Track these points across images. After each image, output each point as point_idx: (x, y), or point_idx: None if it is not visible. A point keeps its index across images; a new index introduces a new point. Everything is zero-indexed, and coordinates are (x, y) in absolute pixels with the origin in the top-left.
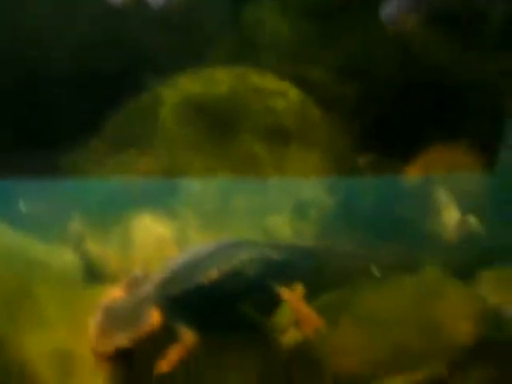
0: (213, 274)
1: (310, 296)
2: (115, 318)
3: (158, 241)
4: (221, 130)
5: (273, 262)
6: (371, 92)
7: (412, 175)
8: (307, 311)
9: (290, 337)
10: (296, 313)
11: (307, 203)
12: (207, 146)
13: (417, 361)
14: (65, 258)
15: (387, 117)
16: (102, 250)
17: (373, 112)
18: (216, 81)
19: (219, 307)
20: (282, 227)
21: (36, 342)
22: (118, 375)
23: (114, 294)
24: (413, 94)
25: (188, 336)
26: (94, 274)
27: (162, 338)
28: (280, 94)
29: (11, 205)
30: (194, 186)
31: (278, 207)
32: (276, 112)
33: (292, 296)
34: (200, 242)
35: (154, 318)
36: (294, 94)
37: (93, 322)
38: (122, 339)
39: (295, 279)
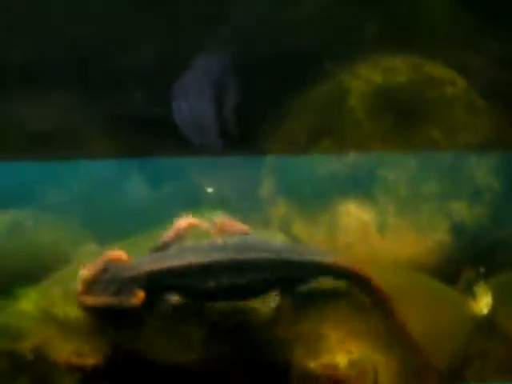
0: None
1: None
2: (110, 280)
3: (360, 225)
4: (402, 118)
5: None
6: None
7: None
8: None
9: None
10: None
11: (481, 187)
12: (393, 134)
13: None
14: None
15: None
16: (309, 233)
17: None
18: (394, 70)
19: None
20: (464, 212)
21: None
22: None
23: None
24: None
25: None
26: None
27: None
28: (449, 83)
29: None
30: (389, 173)
31: (458, 192)
32: (447, 100)
33: None
34: (396, 226)
35: (138, 298)
36: (460, 82)
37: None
38: (107, 302)
39: None
